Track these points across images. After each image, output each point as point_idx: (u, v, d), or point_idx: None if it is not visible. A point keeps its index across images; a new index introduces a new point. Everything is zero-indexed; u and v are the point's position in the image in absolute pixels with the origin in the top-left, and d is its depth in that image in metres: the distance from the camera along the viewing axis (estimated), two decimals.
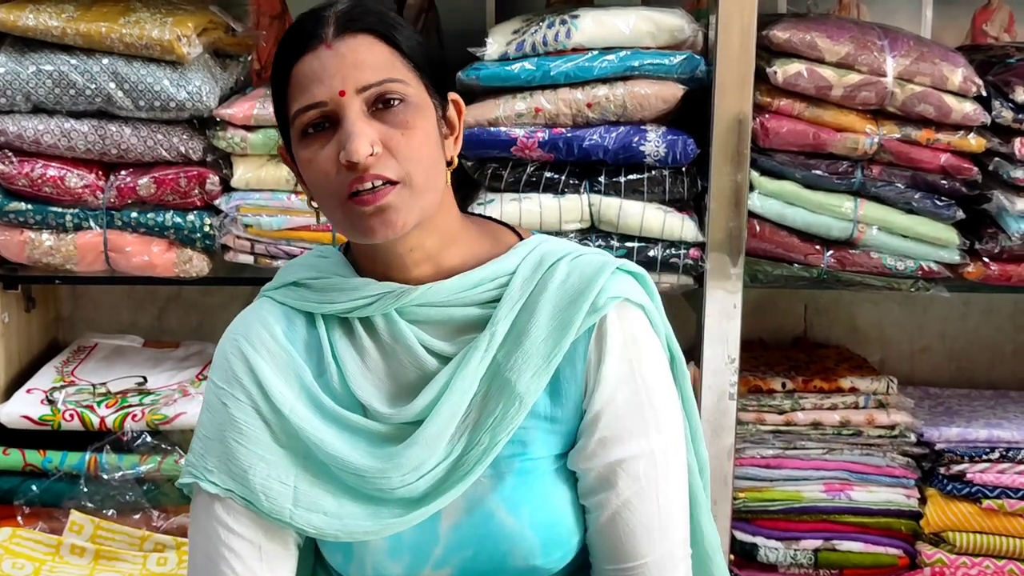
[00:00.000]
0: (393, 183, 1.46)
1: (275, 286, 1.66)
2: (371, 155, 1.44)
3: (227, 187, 2.57)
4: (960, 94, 2.47)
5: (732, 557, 2.68)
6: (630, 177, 2.49)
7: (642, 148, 2.46)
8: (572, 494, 1.58)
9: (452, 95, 1.60)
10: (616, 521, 1.55)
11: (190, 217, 2.57)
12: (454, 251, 1.58)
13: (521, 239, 1.65)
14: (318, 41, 1.48)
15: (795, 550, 2.69)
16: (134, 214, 2.56)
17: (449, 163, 1.57)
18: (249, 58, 2.81)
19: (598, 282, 1.54)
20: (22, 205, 2.56)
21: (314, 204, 1.58)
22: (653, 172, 2.49)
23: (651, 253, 2.50)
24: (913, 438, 2.70)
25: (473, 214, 1.70)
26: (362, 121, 1.46)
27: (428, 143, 1.50)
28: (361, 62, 1.47)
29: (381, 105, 1.48)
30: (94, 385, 2.70)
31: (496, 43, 2.50)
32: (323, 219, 1.58)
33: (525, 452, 1.55)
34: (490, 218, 1.72)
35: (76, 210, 2.56)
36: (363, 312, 1.56)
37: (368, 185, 1.45)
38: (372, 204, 1.46)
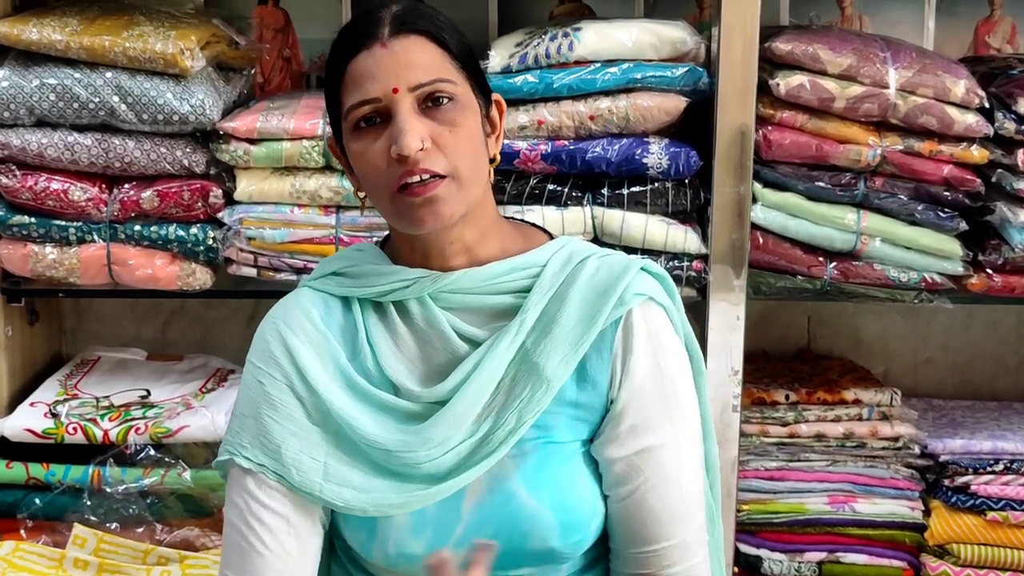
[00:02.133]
0: (441, 177, 1.53)
1: (315, 277, 1.73)
2: (421, 150, 1.51)
3: (230, 200, 2.58)
4: (963, 106, 2.47)
5: (736, 570, 2.68)
6: (633, 189, 2.49)
7: (645, 160, 2.46)
8: (593, 480, 1.62)
9: (495, 95, 1.67)
10: (642, 506, 1.60)
11: (193, 230, 2.57)
12: (489, 244, 1.65)
13: (551, 239, 1.73)
14: (373, 40, 1.55)
15: (799, 563, 2.69)
16: (137, 227, 2.56)
17: (492, 160, 1.65)
18: (252, 71, 2.81)
19: (625, 278, 1.61)
20: (25, 218, 2.56)
21: (360, 194, 1.66)
22: (656, 184, 2.49)
23: None
24: (917, 450, 2.69)
25: (507, 217, 1.77)
26: (413, 117, 1.53)
27: (474, 140, 1.58)
28: (414, 62, 1.54)
29: (431, 103, 1.55)
30: (97, 398, 2.69)
31: (499, 56, 2.50)
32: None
33: (549, 435, 1.60)
34: (523, 220, 1.79)
35: (79, 223, 2.56)
36: (399, 296, 1.63)
37: (417, 178, 1.52)
38: (422, 195, 1.53)
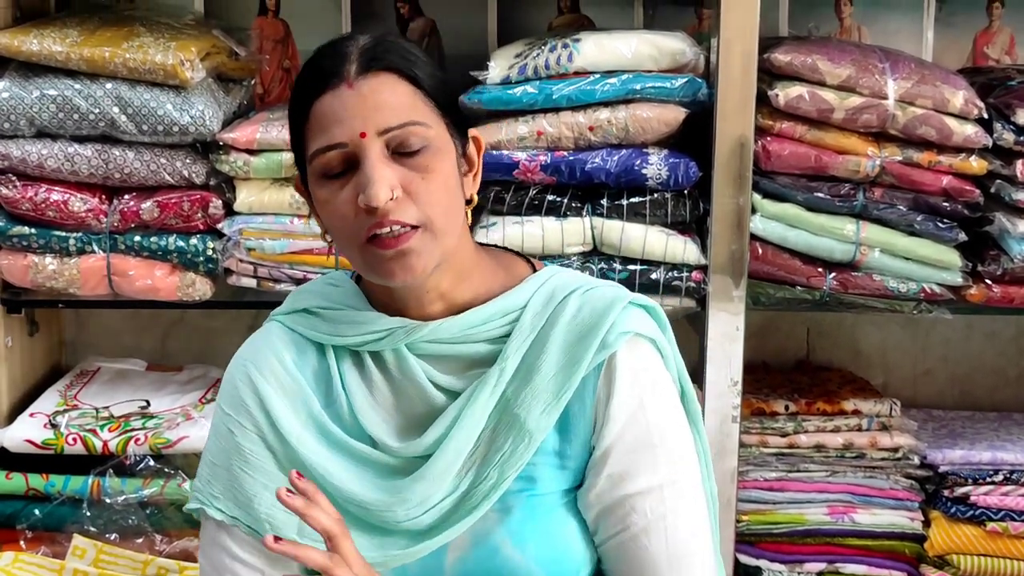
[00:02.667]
0: (414, 227, 1.44)
1: (285, 311, 1.64)
2: (391, 199, 1.42)
3: (230, 211, 2.58)
4: (961, 116, 2.48)
5: None
6: (632, 200, 2.49)
7: (644, 171, 2.46)
8: (580, 529, 1.56)
9: (472, 132, 1.59)
10: (627, 557, 1.53)
11: (193, 241, 2.57)
12: (468, 287, 1.57)
13: (535, 270, 1.64)
14: (339, 80, 1.45)
15: (799, 573, 2.68)
16: (137, 238, 2.56)
17: (468, 201, 1.56)
18: (252, 82, 2.82)
19: (609, 317, 1.52)
20: (26, 229, 2.56)
21: (328, 237, 1.56)
22: (655, 195, 2.49)
23: (653, 276, 2.50)
24: (917, 460, 2.69)
25: (487, 245, 1.69)
26: (382, 164, 1.43)
27: (448, 185, 1.49)
28: (383, 103, 1.44)
29: (402, 147, 1.45)
30: (97, 409, 2.69)
31: (498, 67, 2.51)
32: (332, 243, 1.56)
33: (533, 487, 1.53)
34: (504, 248, 1.71)
35: (79, 234, 2.56)
36: (373, 347, 1.56)
37: (388, 230, 1.43)
38: (393, 248, 1.44)
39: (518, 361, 1.53)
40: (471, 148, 1.58)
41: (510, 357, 1.52)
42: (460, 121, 1.55)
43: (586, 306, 1.54)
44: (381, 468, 1.53)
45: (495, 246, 1.72)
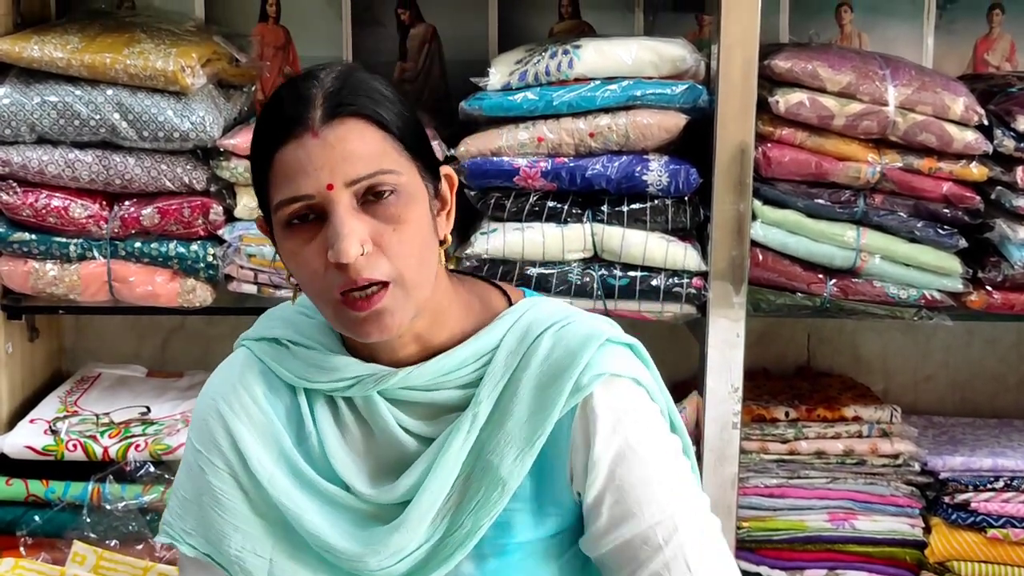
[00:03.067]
0: (385, 284, 1.39)
1: (255, 336, 1.61)
2: (361, 255, 1.37)
3: (230, 217, 2.58)
4: (962, 123, 2.48)
5: None
6: (633, 206, 2.49)
7: (645, 177, 2.46)
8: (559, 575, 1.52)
9: (444, 170, 1.52)
10: None
11: (193, 247, 2.57)
12: (442, 327, 1.52)
13: (510, 302, 1.58)
14: (302, 128, 1.37)
15: None
16: (138, 244, 2.56)
17: (442, 242, 1.50)
18: (252, 88, 2.82)
19: (583, 357, 1.46)
20: (26, 235, 2.56)
21: (294, 280, 1.49)
22: (656, 201, 2.49)
23: (654, 282, 2.50)
24: (917, 467, 2.69)
25: (462, 272, 1.64)
26: (351, 217, 1.37)
27: (420, 234, 1.43)
28: (351, 153, 1.37)
29: (372, 197, 1.39)
30: (97, 415, 2.69)
31: (499, 73, 2.51)
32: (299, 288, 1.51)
33: (509, 535, 1.49)
34: (481, 277, 1.65)
35: (80, 240, 2.56)
36: (342, 393, 1.52)
37: (360, 291, 1.38)
38: (366, 310, 1.39)
39: (491, 406, 1.48)
40: (444, 187, 1.51)
41: (483, 402, 1.47)
42: (430, 162, 1.48)
43: (559, 344, 1.49)
44: (354, 513, 1.50)
45: (470, 274, 1.67)
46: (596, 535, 1.48)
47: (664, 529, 1.44)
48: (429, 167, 1.47)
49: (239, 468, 1.52)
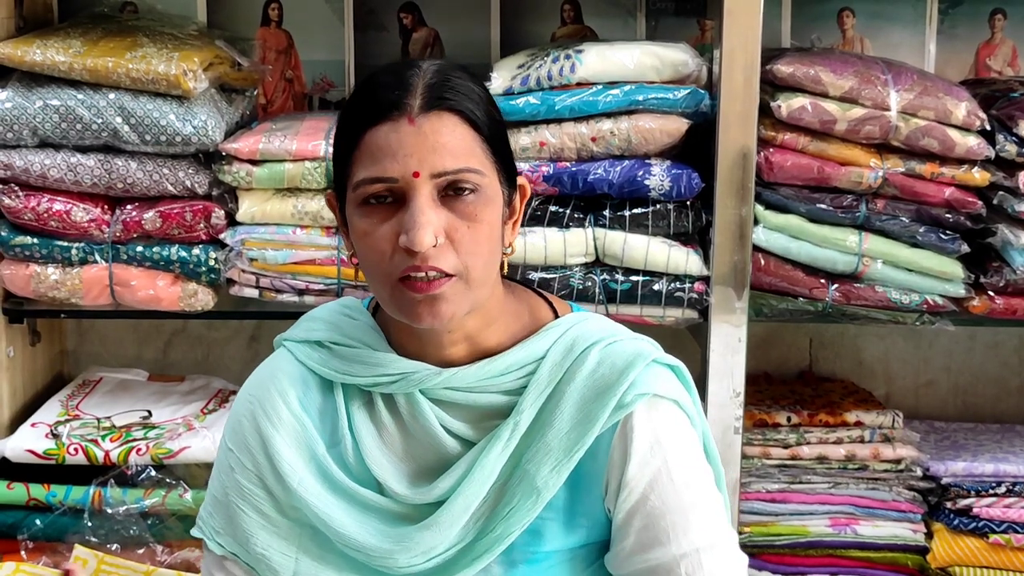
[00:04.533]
0: (449, 276, 1.41)
1: (297, 339, 1.62)
2: (433, 246, 1.39)
3: (232, 221, 2.58)
4: (964, 128, 2.48)
5: None
6: (635, 211, 2.49)
7: (647, 182, 2.46)
8: None
9: (520, 180, 1.55)
10: None
11: (195, 251, 2.57)
12: (492, 332, 1.54)
13: (557, 315, 1.60)
14: (400, 113, 1.40)
15: None
16: (139, 248, 2.56)
17: (506, 250, 1.53)
18: (255, 92, 2.83)
19: (629, 376, 1.48)
20: (28, 239, 2.56)
21: (355, 260, 1.52)
22: (658, 206, 2.49)
23: (656, 287, 2.50)
24: (919, 472, 2.69)
25: (512, 280, 1.65)
26: (430, 207, 1.40)
27: (491, 236, 1.45)
28: (442, 145, 1.40)
29: (452, 192, 1.42)
30: (99, 419, 2.69)
31: (501, 77, 2.51)
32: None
33: (539, 543, 1.50)
34: (529, 286, 1.67)
35: (82, 244, 2.56)
36: (384, 389, 1.53)
37: (423, 274, 1.40)
38: (424, 292, 1.41)
39: (533, 415, 1.50)
40: (516, 196, 1.54)
41: (525, 411, 1.49)
42: (510, 170, 1.51)
43: (606, 361, 1.51)
44: (385, 514, 1.51)
45: (519, 282, 1.69)
46: (621, 555, 1.49)
47: (689, 563, 1.45)
48: (508, 174, 1.50)
49: (268, 471, 1.54)
